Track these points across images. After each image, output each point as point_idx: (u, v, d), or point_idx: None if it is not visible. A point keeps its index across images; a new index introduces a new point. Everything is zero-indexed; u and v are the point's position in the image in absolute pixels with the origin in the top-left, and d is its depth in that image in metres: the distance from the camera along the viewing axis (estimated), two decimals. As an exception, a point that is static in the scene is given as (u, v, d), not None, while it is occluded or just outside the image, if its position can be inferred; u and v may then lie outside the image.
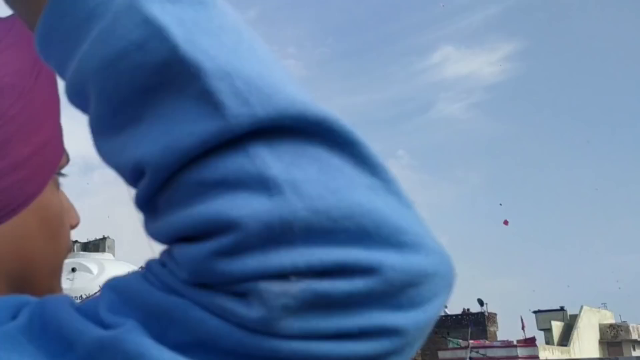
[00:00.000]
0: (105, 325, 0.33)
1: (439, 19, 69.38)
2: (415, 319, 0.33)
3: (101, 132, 0.36)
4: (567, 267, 59.39)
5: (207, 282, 0.32)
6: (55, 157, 0.54)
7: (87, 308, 0.35)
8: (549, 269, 58.84)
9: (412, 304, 0.32)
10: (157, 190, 0.34)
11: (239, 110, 0.32)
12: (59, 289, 0.56)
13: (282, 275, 0.31)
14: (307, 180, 0.32)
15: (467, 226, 60.94)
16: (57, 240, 0.55)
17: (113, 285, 0.35)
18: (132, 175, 0.35)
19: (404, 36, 68.35)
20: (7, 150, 0.50)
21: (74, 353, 0.33)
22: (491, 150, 60.45)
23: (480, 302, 31.11)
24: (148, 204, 0.35)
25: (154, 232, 0.35)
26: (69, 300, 0.36)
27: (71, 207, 0.59)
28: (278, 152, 0.32)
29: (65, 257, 0.56)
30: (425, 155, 63.07)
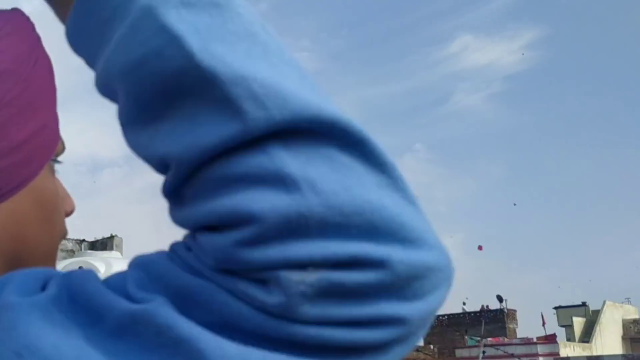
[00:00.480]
0: (134, 300, 0.35)
1: (457, 6, 68.62)
2: (418, 309, 0.35)
3: (128, 125, 0.39)
4: (590, 262, 58.52)
5: (231, 269, 0.35)
6: (51, 143, 0.55)
7: (114, 283, 0.37)
8: (571, 264, 58.05)
9: (416, 296, 0.35)
10: (183, 182, 0.37)
11: (257, 114, 0.34)
12: None
13: (300, 265, 0.33)
14: (321, 177, 0.34)
15: (487, 221, 60.30)
16: (51, 224, 0.55)
17: (140, 263, 0.38)
18: (159, 167, 0.38)
19: (420, 26, 67.77)
20: (4, 134, 0.51)
21: (104, 324, 0.35)
22: (512, 142, 59.70)
23: (500, 299, 30.58)
24: (174, 194, 0.38)
25: (178, 219, 0.38)
26: (95, 274, 0.38)
27: (66, 194, 0.60)
28: (294, 151, 0.35)
29: (59, 242, 0.58)
30: (443, 149, 62.52)
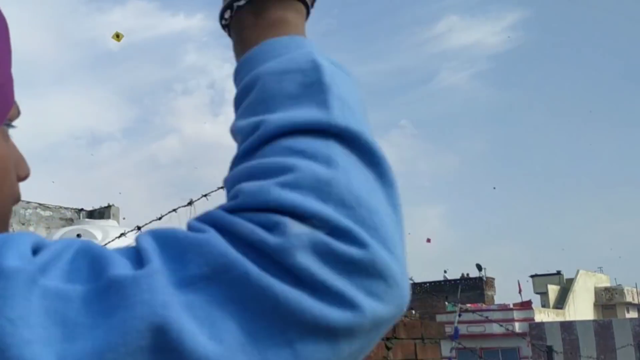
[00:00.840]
0: (136, 264, 0.38)
1: (442, -15, 68.40)
2: (374, 308, 0.40)
3: (244, 114, 0.49)
4: (565, 233, 59.97)
5: (251, 206, 0.41)
6: (4, 105, 0.54)
7: (122, 250, 0.41)
8: (548, 235, 59.49)
9: (377, 296, 0.40)
10: (259, 146, 0.45)
11: (339, 116, 0.45)
12: None
13: (307, 218, 0.40)
14: (355, 175, 0.43)
15: (469, 194, 61.37)
16: (4, 187, 0.55)
17: (152, 232, 0.42)
18: (248, 133, 0.47)
19: (408, 6, 67.64)
20: None
21: (98, 282, 0.37)
22: (493, 119, 60.48)
23: (479, 267, 31.56)
24: (244, 157, 0.46)
25: (234, 175, 0.45)
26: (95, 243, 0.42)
27: (21, 159, 0.59)
28: (346, 154, 0.44)
29: (11, 205, 0.56)
30: (429, 125, 63.00)
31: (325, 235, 0.39)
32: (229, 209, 0.42)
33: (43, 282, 0.36)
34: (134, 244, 0.42)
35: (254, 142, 0.45)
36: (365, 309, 0.39)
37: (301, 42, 0.52)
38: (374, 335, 0.41)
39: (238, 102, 0.51)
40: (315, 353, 0.38)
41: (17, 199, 0.57)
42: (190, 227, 0.42)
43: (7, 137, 0.56)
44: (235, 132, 0.49)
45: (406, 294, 0.42)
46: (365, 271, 0.39)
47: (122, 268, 0.38)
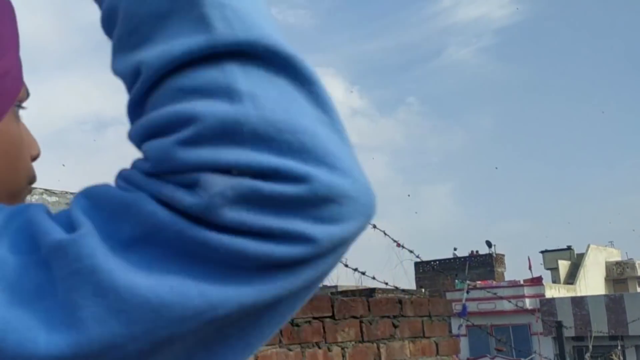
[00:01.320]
0: (71, 229, 0.37)
1: (446, -41, 67.53)
2: (330, 233, 0.37)
3: (119, 50, 0.42)
4: (575, 207, 59.75)
5: (164, 171, 0.37)
6: (14, 87, 0.56)
7: (60, 214, 0.40)
8: (558, 210, 59.28)
9: (331, 220, 0.37)
10: (147, 93, 0.40)
11: (224, 31, 0.38)
12: None
13: (226, 169, 0.36)
14: (265, 96, 0.37)
15: (478, 170, 61.14)
16: (16, 166, 0.57)
17: (85, 192, 0.40)
18: (131, 78, 0.41)
19: (411, -21, 66.83)
20: None
21: (39, 253, 0.37)
22: (501, 94, 60.03)
23: (489, 244, 31.59)
24: (136, 109, 0.41)
25: (133, 131, 0.40)
26: (45, 207, 0.41)
27: (33, 139, 0.61)
28: (248, 73, 0.38)
29: (26, 184, 0.59)
30: (436, 101, 62.62)
31: (251, 180, 0.36)
32: (146, 173, 0.39)
33: None
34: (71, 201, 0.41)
35: (140, 91, 0.40)
36: (318, 238, 0.37)
37: None
38: (340, 251, 0.39)
39: (106, 31, 0.45)
40: (275, 288, 0.37)
41: (32, 178, 0.59)
42: (118, 185, 0.40)
43: (18, 118, 0.58)
44: (117, 74, 0.43)
45: (367, 202, 0.39)
46: (309, 202, 0.36)
47: (55, 234, 0.37)
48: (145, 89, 0.40)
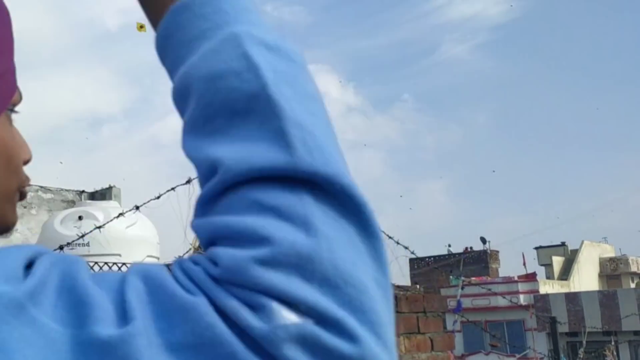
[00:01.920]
0: (122, 314, 0.36)
1: (441, -45, 67.41)
2: None
3: (191, 132, 0.43)
4: (569, 204, 59.88)
5: (234, 283, 0.37)
6: (7, 91, 0.56)
7: (110, 285, 0.38)
8: (552, 206, 59.41)
9: None
10: (221, 192, 0.40)
11: (305, 157, 0.39)
12: (13, 217, 0.59)
13: (293, 302, 0.36)
14: (337, 242, 0.37)
15: (472, 167, 61.19)
16: (8, 168, 0.57)
17: (142, 273, 0.39)
18: (207, 170, 0.41)
19: (406, -25, 66.70)
20: None
21: (81, 330, 0.35)
22: (496, 91, 60.05)
23: (483, 241, 31.64)
24: (208, 203, 0.41)
25: (202, 225, 0.40)
26: (86, 266, 0.39)
27: (24, 143, 0.61)
28: (324, 210, 0.38)
29: (17, 188, 0.59)
30: (431, 98, 62.62)
31: (314, 325, 0.36)
32: (212, 277, 0.38)
33: (34, 312, 0.35)
34: (122, 275, 0.39)
35: (215, 189, 0.40)
36: None
37: (217, 5, 0.44)
38: None
39: (176, 106, 0.45)
40: None
41: (24, 181, 0.59)
42: (176, 278, 0.39)
43: (10, 123, 0.58)
44: (188, 156, 0.44)
45: None
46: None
47: (105, 324, 0.36)
48: (221, 189, 0.40)
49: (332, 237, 0.37)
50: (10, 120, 0.58)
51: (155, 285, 0.38)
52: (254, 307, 0.36)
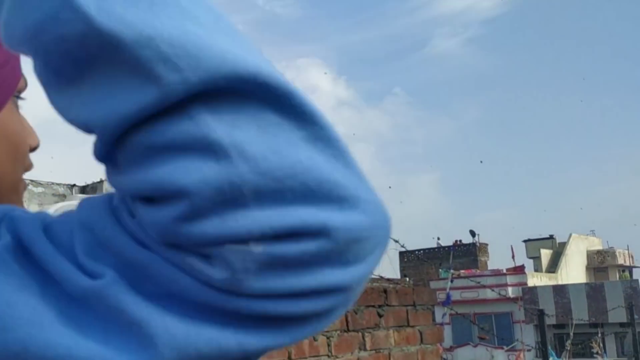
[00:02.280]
0: (86, 271, 0.34)
1: (432, -52, 67.35)
2: (359, 273, 0.35)
3: (47, 87, 0.36)
4: (558, 197, 60.25)
5: (175, 243, 0.34)
6: (13, 78, 0.55)
7: (62, 238, 0.36)
8: (541, 199, 59.75)
9: (357, 259, 0.35)
10: (111, 148, 0.34)
11: (171, 78, 0.31)
12: (20, 204, 0.58)
13: (241, 240, 0.33)
14: (249, 141, 0.32)
15: (462, 160, 61.41)
16: (15, 157, 0.56)
17: (87, 223, 0.36)
18: (85, 130, 0.35)
19: (396, -32, 66.60)
20: None
21: (59, 287, 0.34)
22: (486, 85, 60.21)
23: (472, 234, 31.81)
24: (105, 159, 0.36)
25: (116, 184, 0.36)
26: (40, 220, 0.37)
27: (32, 130, 0.60)
28: (218, 113, 0.32)
29: (21, 176, 0.58)
30: (422, 92, 62.74)
31: (270, 246, 0.33)
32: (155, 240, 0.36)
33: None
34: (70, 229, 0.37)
35: (102, 151, 0.36)
36: (348, 283, 0.36)
37: None
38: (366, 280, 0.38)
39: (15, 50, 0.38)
40: (308, 333, 0.37)
41: (29, 167, 0.60)
42: (121, 221, 0.36)
43: (17, 109, 0.57)
44: (59, 113, 0.38)
45: (384, 226, 0.36)
46: (332, 253, 0.34)
47: (76, 277, 0.35)
48: (107, 147, 0.35)
49: (242, 142, 0.32)
50: (17, 107, 0.58)
51: (105, 237, 0.36)
52: (208, 257, 0.33)
